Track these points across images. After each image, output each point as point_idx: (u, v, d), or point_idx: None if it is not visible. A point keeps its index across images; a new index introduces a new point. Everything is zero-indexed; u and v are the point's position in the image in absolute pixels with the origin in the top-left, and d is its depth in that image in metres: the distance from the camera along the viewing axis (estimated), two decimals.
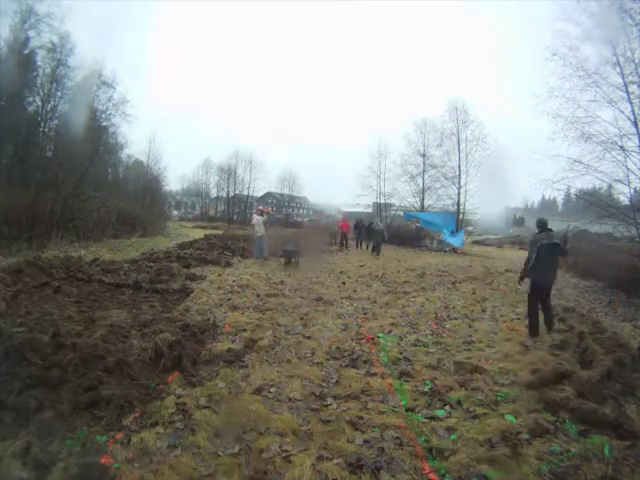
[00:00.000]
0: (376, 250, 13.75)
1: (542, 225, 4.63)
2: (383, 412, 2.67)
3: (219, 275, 7.69)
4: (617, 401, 2.76)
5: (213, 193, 38.27)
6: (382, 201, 25.71)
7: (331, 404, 2.77)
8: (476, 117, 21.23)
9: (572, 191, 11.08)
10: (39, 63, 12.83)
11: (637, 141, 8.23)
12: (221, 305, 5.36)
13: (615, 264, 8.62)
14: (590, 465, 2.01)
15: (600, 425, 2.46)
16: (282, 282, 7.38)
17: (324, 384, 3.11)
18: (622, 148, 8.41)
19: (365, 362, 3.59)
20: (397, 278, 8.71)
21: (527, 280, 4.80)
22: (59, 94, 12.91)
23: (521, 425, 2.46)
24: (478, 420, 2.57)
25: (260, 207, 12.09)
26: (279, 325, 4.63)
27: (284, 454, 2.15)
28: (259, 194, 38.21)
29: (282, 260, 9.87)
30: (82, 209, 11.56)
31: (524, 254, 5.12)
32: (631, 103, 8.28)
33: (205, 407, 2.62)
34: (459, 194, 21.30)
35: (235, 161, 35.10)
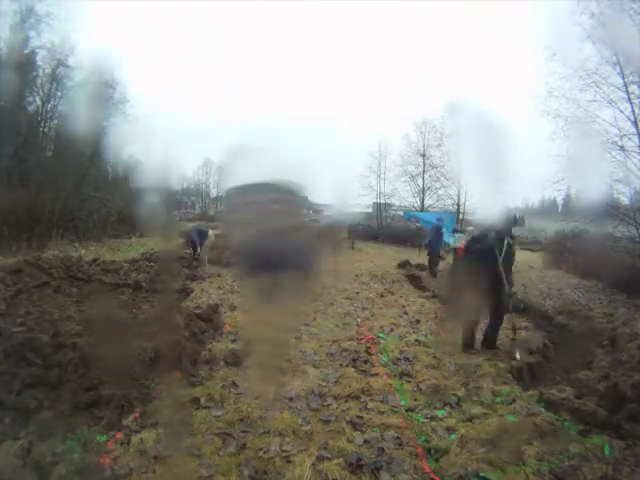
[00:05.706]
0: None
1: None
2: (383, 412, 2.67)
3: (219, 275, 7.70)
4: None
5: (213, 193, 38.31)
6: (382, 201, 25.68)
7: (331, 404, 2.77)
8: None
9: (572, 191, 11.09)
10: (39, 63, 12.80)
11: (637, 141, 8.22)
12: (221, 305, 5.35)
13: (615, 264, 8.60)
14: (590, 465, 2.00)
15: (600, 425, 2.46)
16: None
17: (324, 384, 3.11)
18: (622, 148, 8.40)
19: (365, 362, 3.58)
20: (397, 278, 8.72)
21: None
22: (59, 94, 12.91)
23: (521, 425, 2.45)
24: (478, 420, 2.56)
25: None
26: None
27: (284, 454, 2.15)
28: None
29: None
30: (82, 209, 11.57)
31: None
32: (631, 103, 8.28)
33: (205, 407, 2.62)
34: (459, 194, 21.30)
35: None
